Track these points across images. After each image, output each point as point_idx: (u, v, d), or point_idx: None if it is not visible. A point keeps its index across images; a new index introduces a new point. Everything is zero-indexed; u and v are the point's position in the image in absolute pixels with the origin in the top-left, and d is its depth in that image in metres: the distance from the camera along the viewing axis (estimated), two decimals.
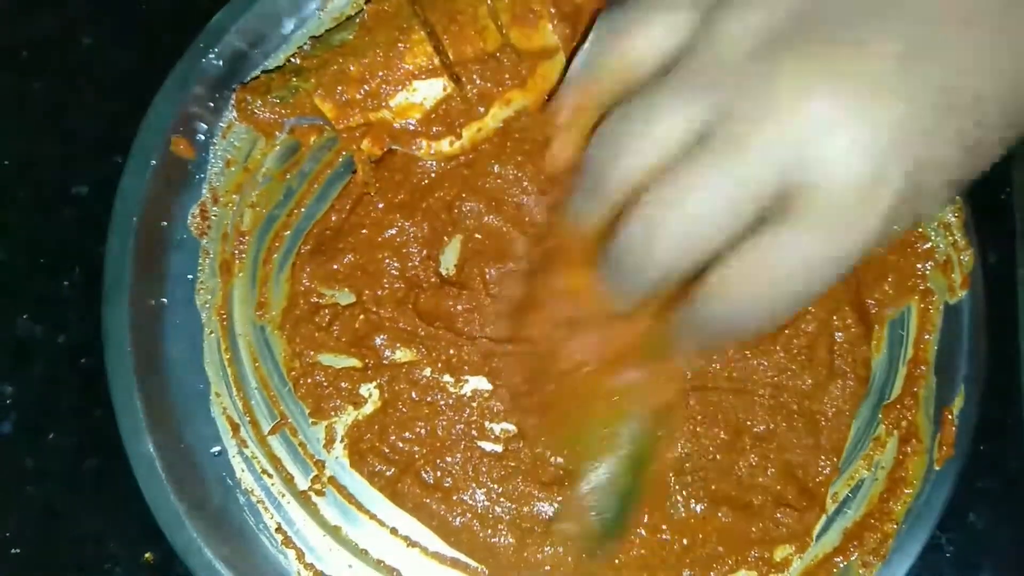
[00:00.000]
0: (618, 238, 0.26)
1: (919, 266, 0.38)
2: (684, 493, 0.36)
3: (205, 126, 0.38)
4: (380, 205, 0.37)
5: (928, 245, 0.38)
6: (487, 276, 0.37)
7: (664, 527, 0.36)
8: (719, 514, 0.36)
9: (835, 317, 0.37)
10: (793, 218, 0.23)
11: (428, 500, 0.35)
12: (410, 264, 0.37)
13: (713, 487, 0.36)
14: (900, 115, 0.22)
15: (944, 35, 0.22)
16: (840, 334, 0.37)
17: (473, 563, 0.35)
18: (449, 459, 0.36)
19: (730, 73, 0.23)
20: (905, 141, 0.22)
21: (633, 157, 0.25)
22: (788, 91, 0.22)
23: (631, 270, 0.26)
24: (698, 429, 0.36)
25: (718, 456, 0.36)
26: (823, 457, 0.37)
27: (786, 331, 0.37)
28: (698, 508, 0.36)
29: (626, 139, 0.25)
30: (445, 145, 0.37)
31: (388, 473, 0.36)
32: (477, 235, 0.37)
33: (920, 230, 0.38)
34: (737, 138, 0.23)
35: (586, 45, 0.30)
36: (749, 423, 0.36)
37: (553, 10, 0.36)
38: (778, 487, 0.36)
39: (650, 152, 0.24)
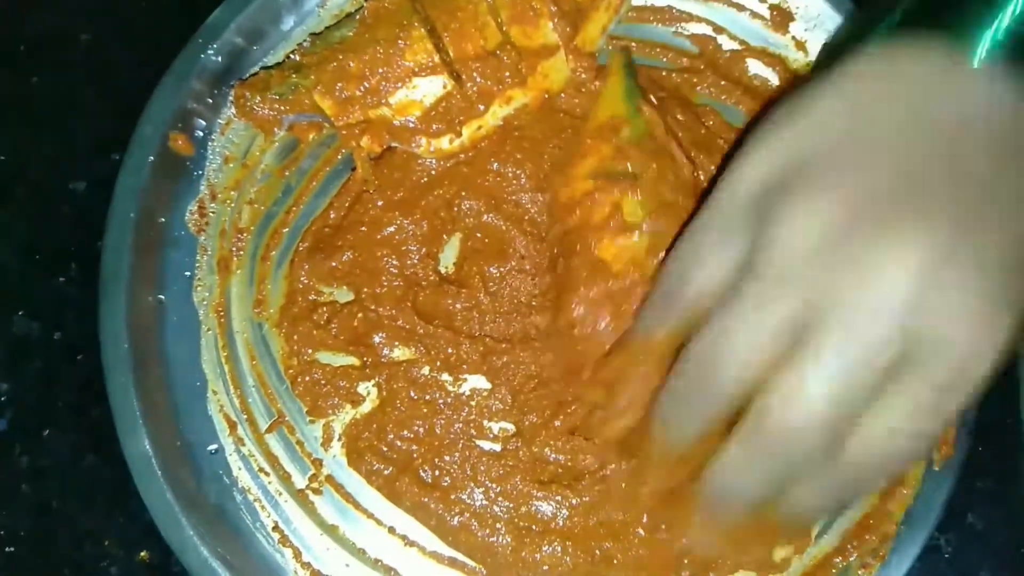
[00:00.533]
0: (753, 438, 0.25)
1: None
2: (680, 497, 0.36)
3: (204, 122, 0.38)
4: (379, 203, 0.37)
5: None
6: (486, 274, 0.37)
7: (663, 526, 0.35)
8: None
9: None
10: (912, 378, 0.23)
11: (426, 499, 0.35)
12: (409, 262, 0.37)
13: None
14: (979, 279, 0.23)
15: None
16: None
17: (471, 563, 0.35)
18: (447, 458, 0.36)
19: (807, 271, 0.24)
20: (1000, 288, 0.23)
21: (740, 355, 0.25)
22: (881, 263, 0.23)
23: (769, 460, 0.25)
24: None
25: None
26: None
27: None
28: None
29: (728, 342, 0.25)
30: (445, 143, 0.37)
31: (386, 472, 0.36)
32: (477, 233, 0.37)
33: None
34: (848, 319, 0.23)
35: (649, 301, 0.30)
36: None
37: (553, 8, 0.36)
38: None
39: (757, 349, 0.24)
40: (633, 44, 0.40)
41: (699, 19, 0.41)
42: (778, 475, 0.25)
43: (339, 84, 0.35)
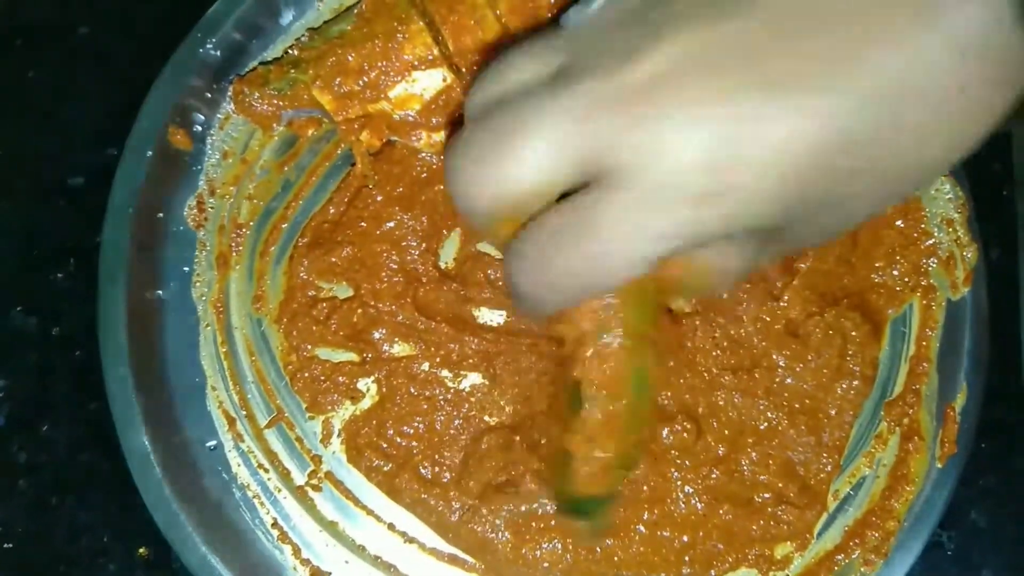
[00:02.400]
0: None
1: (922, 262, 0.38)
2: (686, 490, 0.35)
3: (202, 117, 0.37)
4: (379, 198, 0.37)
5: (931, 241, 0.38)
6: (487, 270, 0.37)
7: (664, 524, 0.35)
8: (720, 512, 0.35)
9: (842, 319, 0.37)
10: (603, 188, 0.22)
11: (426, 495, 0.35)
12: (409, 257, 0.37)
13: (714, 485, 0.36)
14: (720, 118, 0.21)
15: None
16: (854, 334, 0.37)
17: (471, 559, 0.35)
18: (447, 454, 0.36)
19: (584, 39, 0.23)
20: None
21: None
22: (636, 68, 0.22)
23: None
24: (701, 425, 0.36)
25: (720, 453, 0.36)
26: (825, 455, 0.36)
27: (796, 334, 0.36)
28: (699, 505, 0.35)
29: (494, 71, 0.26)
30: (444, 136, 0.36)
31: (386, 468, 0.35)
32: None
33: (923, 226, 0.38)
34: (571, 88, 0.23)
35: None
36: (752, 422, 0.36)
37: None
38: (779, 485, 0.36)
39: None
40: None
41: None
42: None
43: (338, 79, 0.35)
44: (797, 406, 0.37)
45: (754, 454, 0.36)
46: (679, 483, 0.36)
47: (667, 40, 0.22)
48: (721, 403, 0.36)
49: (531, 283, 0.25)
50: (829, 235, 0.25)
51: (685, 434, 0.35)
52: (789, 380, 0.36)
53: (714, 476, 0.36)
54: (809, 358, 0.36)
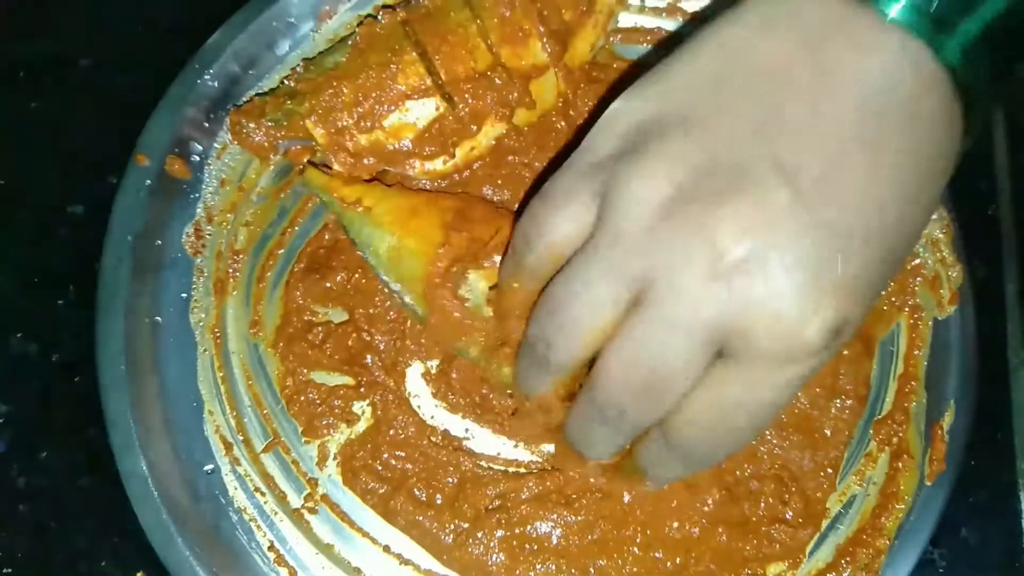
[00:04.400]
0: (591, 394, 0.26)
1: (909, 282, 0.38)
2: (681, 513, 0.36)
3: (200, 147, 0.38)
4: None
5: (917, 261, 0.39)
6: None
7: (658, 546, 0.36)
8: (715, 533, 0.36)
9: None
10: (738, 357, 0.24)
11: (421, 517, 0.35)
12: None
13: (709, 508, 0.36)
14: (823, 243, 0.23)
15: (837, 172, 0.23)
16: (845, 352, 0.37)
17: None
18: (441, 477, 0.36)
19: (645, 242, 0.24)
20: (832, 268, 0.23)
21: (572, 327, 0.25)
22: (710, 246, 0.23)
23: (605, 421, 0.27)
24: None
25: (716, 474, 0.36)
26: (821, 473, 0.37)
27: None
28: (695, 531, 0.36)
29: (561, 312, 0.25)
30: (439, 164, 0.37)
31: (381, 491, 0.36)
32: None
33: None
34: (675, 297, 0.23)
35: (504, 259, 0.30)
36: (755, 442, 0.37)
37: (542, 28, 0.37)
38: (775, 504, 0.36)
39: (589, 322, 0.25)
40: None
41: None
42: (613, 435, 0.27)
43: (333, 115, 0.35)
44: (792, 425, 0.37)
45: (750, 473, 0.36)
46: (676, 505, 0.36)
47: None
48: None
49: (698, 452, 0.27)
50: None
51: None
52: None
53: (710, 502, 0.36)
54: None
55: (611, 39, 0.41)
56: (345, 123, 0.35)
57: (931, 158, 0.24)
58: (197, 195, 0.38)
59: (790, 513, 0.36)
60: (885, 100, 0.23)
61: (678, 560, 0.36)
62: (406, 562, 0.36)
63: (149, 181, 0.37)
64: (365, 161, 0.36)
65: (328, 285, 0.37)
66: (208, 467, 0.36)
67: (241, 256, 0.38)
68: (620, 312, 0.24)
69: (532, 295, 0.28)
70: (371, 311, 0.37)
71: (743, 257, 0.22)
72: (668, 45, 0.41)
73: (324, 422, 0.36)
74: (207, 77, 0.38)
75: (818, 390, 0.37)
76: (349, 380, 0.37)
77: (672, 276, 0.23)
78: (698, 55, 0.25)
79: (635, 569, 0.35)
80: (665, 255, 0.23)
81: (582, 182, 0.25)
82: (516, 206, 0.38)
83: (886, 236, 0.24)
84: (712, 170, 0.23)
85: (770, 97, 0.23)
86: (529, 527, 0.35)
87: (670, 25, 0.42)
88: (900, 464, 0.37)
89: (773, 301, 0.23)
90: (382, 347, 0.37)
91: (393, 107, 0.36)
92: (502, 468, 0.36)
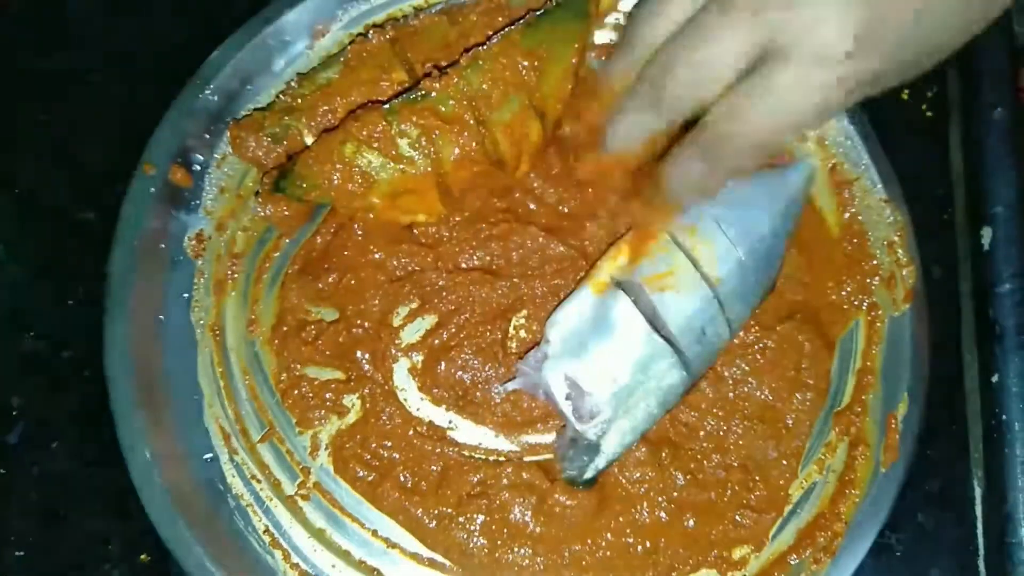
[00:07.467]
0: (640, 75, 0.32)
1: (867, 282, 0.41)
2: (651, 499, 0.38)
3: (201, 157, 0.40)
4: (359, 234, 0.40)
5: (874, 262, 0.41)
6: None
7: (628, 531, 0.38)
8: (683, 519, 0.38)
9: (796, 333, 0.39)
10: (781, 60, 0.29)
11: (406, 503, 0.37)
12: (391, 282, 0.39)
13: (678, 495, 0.38)
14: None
15: None
16: (807, 345, 0.39)
17: (448, 563, 0.37)
18: (426, 465, 0.38)
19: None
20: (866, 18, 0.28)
21: (654, 21, 0.32)
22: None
23: (651, 104, 0.32)
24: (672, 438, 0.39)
25: (684, 463, 0.38)
26: (784, 462, 0.39)
27: (753, 346, 0.39)
28: (663, 516, 0.38)
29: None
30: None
31: (369, 478, 0.38)
32: None
33: (867, 248, 0.41)
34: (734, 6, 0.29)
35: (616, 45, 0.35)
36: (715, 431, 0.39)
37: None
38: (740, 491, 0.38)
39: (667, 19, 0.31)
40: None
41: None
42: (652, 124, 0.32)
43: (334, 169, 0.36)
44: (757, 417, 0.39)
45: (716, 462, 0.38)
46: (645, 492, 0.38)
47: None
48: (682, 415, 0.39)
49: (727, 133, 0.31)
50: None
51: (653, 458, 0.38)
52: (746, 390, 0.39)
53: (679, 484, 0.38)
54: (766, 369, 0.39)
55: (589, 55, 0.43)
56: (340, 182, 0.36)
57: None
58: (198, 202, 0.41)
59: (754, 499, 0.38)
60: None
61: (648, 544, 0.38)
62: (393, 545, 0.38)
63: (154, 189, 0.39)
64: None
65: (321, 286, 0.39)
66: (208, 456, 0.38)
67: (239, 259, 0.40)
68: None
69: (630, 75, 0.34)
70: (361, 309, 0.39)
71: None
72: None
73: (316, 414, 0.39)
74: (208, 92, 0.40)
75: (782, 384, 0.39)
76: (340, 375, 0.39)
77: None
78: None
79: (608, 553, 0.37)
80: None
81: None
82: None
83: (919, 25, 0.29)
84: None
85: None
86: (508, 513, 0.37)
87: None
88: (857, 453, 0.39)
89: (815, 8, 0.28)
90: (371, 344, 0.39)
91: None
92: (483, 457, 0.38)
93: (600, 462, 0.36)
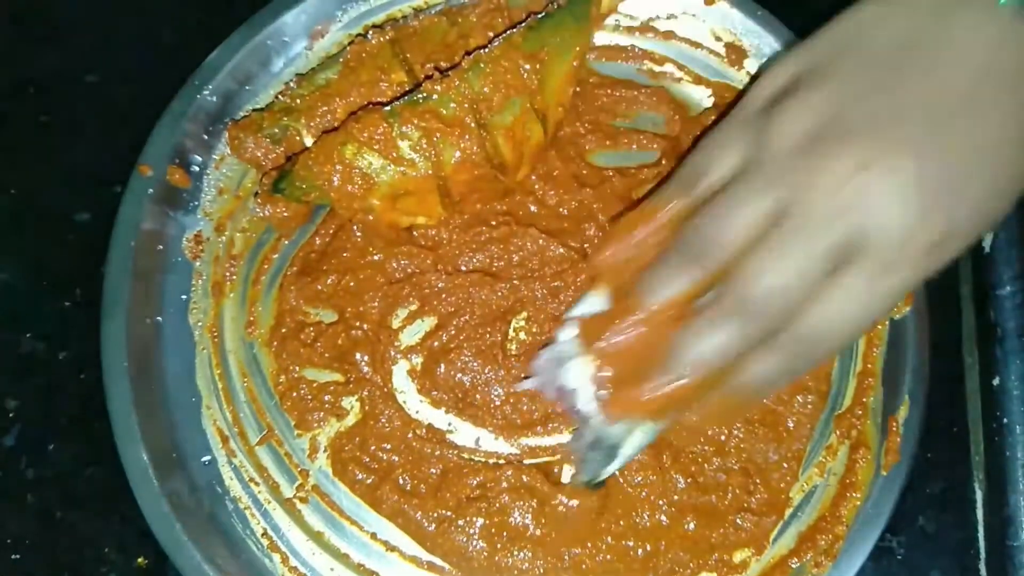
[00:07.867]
0: (732, 289, 0.30)
1: None
2: (652, 503, 0.38)
3: (199, 158, 0.40)
4: (358, 235, 0.39)
5: None
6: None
7: (629, 534, 0.37)
8: (683, 522, 0.38)
9: None
10: (857, 265, 0.28)
11: (405, 506, 0.37)
12: (389, 283, 0.39)
13: (679, 498, 0.38)
14: (928, 174, 0.27)
15: (950, 130, 0.28)
16: None
17: (448, 566, 0.37)
18: (425, 468, 0.38)
19: (786, 171, 0.29)
20: (935, 195, 0.27)
21: (725, 235, 0.30)
22: (836, 172, 0.28)
23: (740, 316, 0.30)
24: (673, 441, 0.38)
25: (685, 466, 0.38)
26: (784, 465, 0.39)
27: None
28: (664, 519, 0.37)
29: (717, 223, 0.30)
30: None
31: (368, 481, 0.38)
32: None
33: None
34: (806, 215, 0.28)
35: (669, 183, 0.34)
36: (716, 435, 0.38)
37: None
38: (741, 494, 0.38)
39: (739, 231, 0.30)
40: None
41: (661, 57, 0.44)
42: (736, 340, 0.30)
43: (335, 167, 0.36)
44: (758, 420, 0.39)
45: (717, 465, 0.38)
46: (646, 495, 0.38)
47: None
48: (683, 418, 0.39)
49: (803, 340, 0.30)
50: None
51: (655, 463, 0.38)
52: None
53: (679, 487, 0.38)
54: None
55: (588, 56, 0.44)
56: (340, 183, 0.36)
57: None
58: (196, 203, 0.40)
59: (755, 502, 0.38)
60: (994, 67, 0.28)
61: (648, 547, 0.37)
62: (392, 548, 0.37)
63: (151, 190, 0.39)
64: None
65: (319, 288, 0.39)
66: (206, 458, 0.38)
67: (237, 260, 0.40)
68: (762, 225, 0.29)
69: (682, 214, 0.33)
70: (360, 311, 0.39)
71: (861, 181, 0.27)
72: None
73: (315, 416, 0.38)
74: (206, 92, 0.40)
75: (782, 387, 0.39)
76: (339, 377, 0.39)
77: (802, 195, 0.28)
78: (837, 29, 0.31)
79: (608, 557, 0.37)
80: (800, 179, 0.28)
81: (740, 131, 0.31)
82: None
83: (983, 180, 0.28)
84: (840, 116, 0.28)
85: (893, 61, 0.29)
86: (508, 516, 0.37)
87: (643, 43, 0.44)
88: (858, 456, 0.39)
89: (883, 214, 0.27)
90: (370, 346, 0.39)
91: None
92: (482, 459, 0.38)
93: (618, 463, 0.35)
